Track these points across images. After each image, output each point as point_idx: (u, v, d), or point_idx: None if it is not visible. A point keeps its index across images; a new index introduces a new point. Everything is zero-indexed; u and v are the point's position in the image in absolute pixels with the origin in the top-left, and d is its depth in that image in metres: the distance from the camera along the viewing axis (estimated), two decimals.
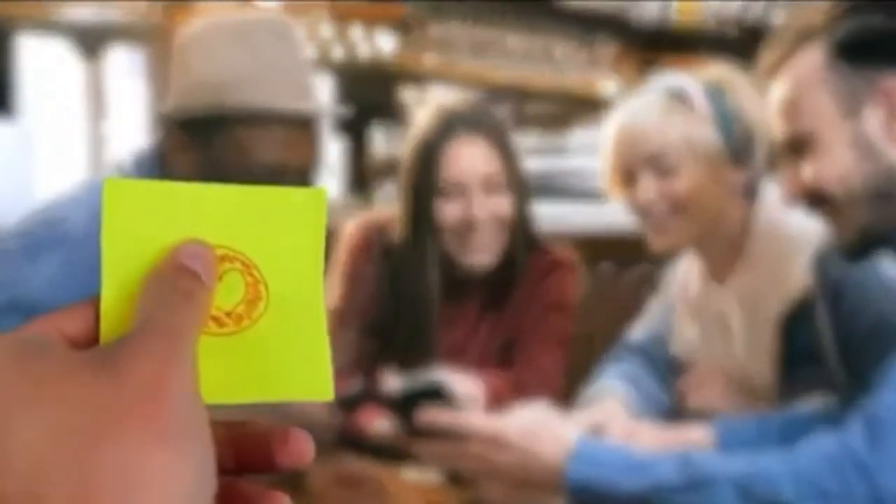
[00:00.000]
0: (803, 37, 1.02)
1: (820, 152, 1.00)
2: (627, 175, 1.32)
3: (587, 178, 2.83)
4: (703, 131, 1.29)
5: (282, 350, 0.39)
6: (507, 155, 1.51)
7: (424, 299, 1.50)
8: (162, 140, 1.25)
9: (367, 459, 1.22)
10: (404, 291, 1.52)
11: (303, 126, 1.23)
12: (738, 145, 1.30)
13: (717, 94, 1.31)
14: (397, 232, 1.53)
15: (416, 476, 1.19)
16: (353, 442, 1.26)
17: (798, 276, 1.20)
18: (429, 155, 1.48)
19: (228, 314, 0.38)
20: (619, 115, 1.35)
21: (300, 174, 1.23)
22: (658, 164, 1.29)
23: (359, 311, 1.53)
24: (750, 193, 1.31)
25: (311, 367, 0.39)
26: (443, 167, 1.47)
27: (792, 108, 1.04)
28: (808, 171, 1.02)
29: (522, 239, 1.51)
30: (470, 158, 1.48)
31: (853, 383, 1.04)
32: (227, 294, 0.38)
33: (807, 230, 1.20)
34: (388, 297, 1.53)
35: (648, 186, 1.29)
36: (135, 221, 0.38)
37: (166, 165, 1.25)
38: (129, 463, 0.29)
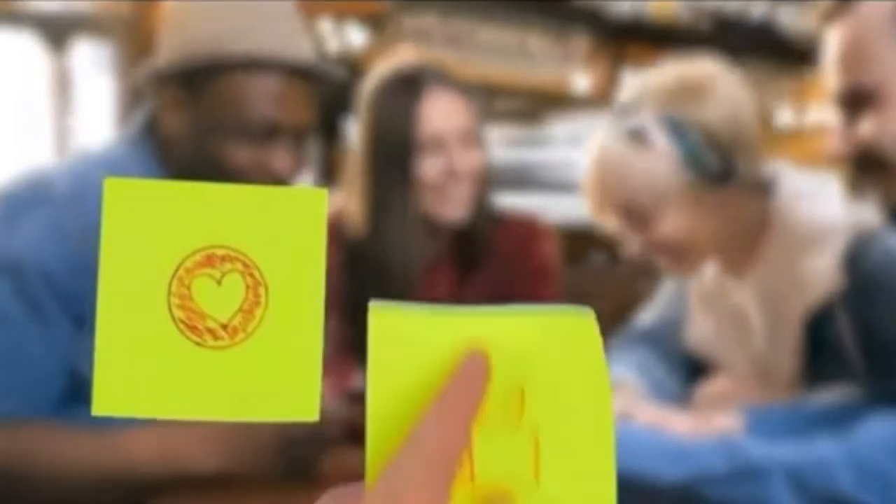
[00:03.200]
0: None
1: (881, 108, 0.96)
2: (611, 219, 1.28)
3: (566, 170, 2.82)
4: (667, 171, 1.21)
5: (272, 368, 0.38)
6: (475, 109, 1.53)
7: (409, 259, 1.49)
8: (153, 102, 1.25)
9: None
10: (383, 262, 1.51)
11: (298, 81, 1.22)
12: (713, 169, 1.21)
13: (674, 124, 1.22)
14: (354, 216, 1.52)
15: None
16: (362, 436, 1.23)
17: (821, 273, 1.15)
18: (402, 110, 1.48)
19: (224, 326, 0.38)
20: (588, 159, 1.27)
21: (294, 135, 1.23)
22: (632, 214, 1.23)
23: (339, 299, 1.51)
24: (760, 188, 1.26)
25: (300, 387, 0.39)
26: (420, 122, 1.47)
27: (854, 58, 0.98)
28: (867, 126, 0.97)
29: (488, 194, 1.53)
30: (448, 112, 1.49)
31: (879, 382, 1.02)
32: (226, 299, 0.38)
33: (827, 223, 1.17)
34: (363, 279, 1.51)
35: (633, 240, 1.25)
36: (135, 221, 0.38)
37: (158, 130, 1.25)
38: None
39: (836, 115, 1.02)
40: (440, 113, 1.47)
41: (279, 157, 1.23)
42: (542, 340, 0.37)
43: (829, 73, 1.02)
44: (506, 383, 0.37)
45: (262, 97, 1.21)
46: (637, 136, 1.22)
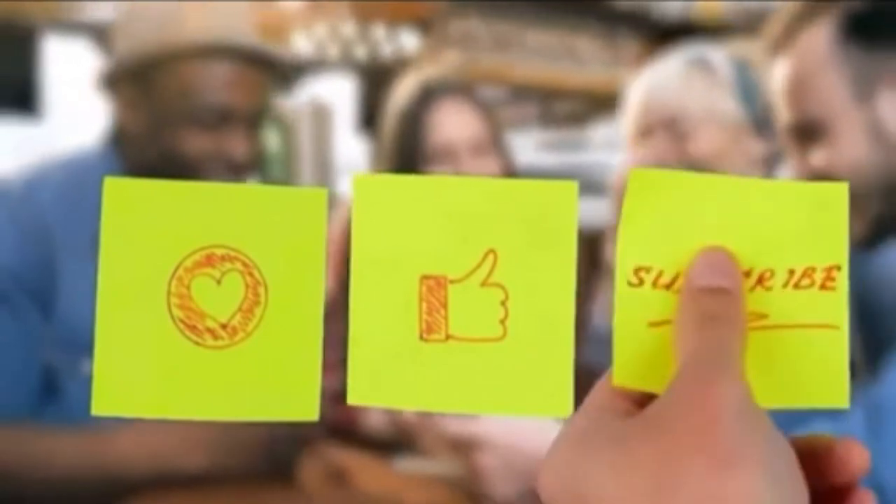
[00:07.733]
0: (810, 12, 0.95)
1: (830, 139, 0.95)
2: (646, 138, 1.31)
3: (608, 174, 2.80)
4: (724, 99, 1.29)
5: (272, 368, 0.39)
6: (490, 119, 1.54)
7: None
8: (112, 108, 1.28)
9: (358, 452, 1.20)
10: None
11: (247, 67, 1.25)
12: (760, 117, 1.29)
13: (742, 65, 1.30)
14: None
15: (411, 468, 1.17)
16: (344, 434, 1.24)
17: None
18: (414, 121, 1.50)
19: (224, 326, 0.38)
20: (643, 79, 1.34)
21: (248, 120, 1.24)
22: (675, 128, 1.28)
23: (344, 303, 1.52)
24: (769, 168, 1.29)
25: (300, 387, 0.39)
26: (430, 132, 1.48)
27: (798, 91, 0.98)
28: (818, 158, 0.97)
29: None
30: (456, 122, 1.50)
31: (873, 349, 1.01)
32: (225, 299, 0.38)
33: None
34: None
35: (666, 149, 1.27)
36: (134, 220, 0.38)
37: (121, 132, 1.27)
38: (701, 497, 0.30)
39: (789, 145, 1.02)
40: (450, 123, 1.49)
41: (235, 143, 1.25)
42: (520, 203, 0.38)
43: (778, 106, 1.02)
44: (481, 244, 0.38)
45: (213, 83, 1.23)
46: (702, 64, 1.31)
